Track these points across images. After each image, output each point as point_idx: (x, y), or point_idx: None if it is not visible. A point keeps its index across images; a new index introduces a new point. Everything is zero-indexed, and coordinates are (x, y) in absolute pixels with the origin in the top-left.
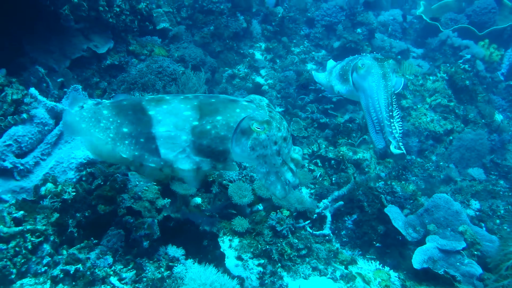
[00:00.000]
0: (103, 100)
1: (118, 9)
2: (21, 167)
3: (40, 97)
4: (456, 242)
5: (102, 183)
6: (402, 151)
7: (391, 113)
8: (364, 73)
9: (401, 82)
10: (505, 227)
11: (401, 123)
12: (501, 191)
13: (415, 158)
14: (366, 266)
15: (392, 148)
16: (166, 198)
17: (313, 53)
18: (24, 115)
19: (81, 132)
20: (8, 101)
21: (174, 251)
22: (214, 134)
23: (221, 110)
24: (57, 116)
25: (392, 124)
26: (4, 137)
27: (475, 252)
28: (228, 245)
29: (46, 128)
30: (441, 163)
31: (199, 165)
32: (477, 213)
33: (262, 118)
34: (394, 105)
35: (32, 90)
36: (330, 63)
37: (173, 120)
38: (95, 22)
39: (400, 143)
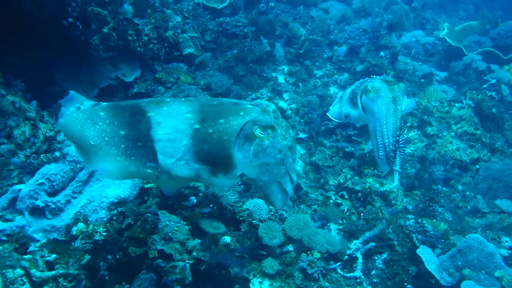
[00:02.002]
0: (102, 103)
1: (146, 38)
2: (53, 206)
3: None
4: None
5: (132, 222)
6: (395, 184)
7: (397, 138)
8: (374, 96)
9: (413, 104)
10: None
11: (404, 149)
12: None
13: (441, 188)
14: None
15: (395, 179)
16: (196, 239)
17: (336, 76)
18: (57, 153)
19: (75, 134)
20: (41, 138)
21: None
22: (216, 138)
23: (224, 113)
24: None
25: (398, 150)
26: (37, 176)
27: None
28: (258, 287)
29: (78, 166)
30: (467, 193)
31: (198, 172)
32: (509, 251)
33: (266, 123)
34: (402, 130)
35: None
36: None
37: (173, 123)
38: (123, 50)
39: (397, 175)
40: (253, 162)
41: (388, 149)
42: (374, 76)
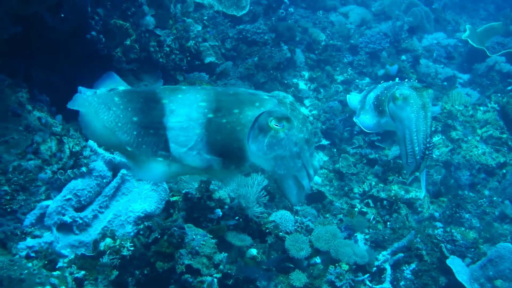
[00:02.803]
0: (118, 88)
1: (168, 49)
2: (80, 221)
3: (99, 150)
4: None
5: (159, 236)
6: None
7: (427, 145)
8: (402, 103)
9: (438, 108)
10: None
11: (432, 155)
12: None
13: (468, 193)
14: None
15: (423, 188)
16: (223, 252)
17: (357, 80)
18: (84, 169)
19: (88, 119)
20: (67, 153)
21: None
22: (230, 129)
23: (239, 103)
24: (114, 168)
25: (426, 157)
26: (64, 191)
27: None
28: None
29: (104, 180)
30: (494, 198)
31: (210, 163)
32: None
33: (282, 114)
34: (432, 137)
35: (91, 143)
36: (352, 97)
37: (186, 111)
38: (145, 62)
39: (424, 183)
40: (267, 155)
41: (418, 157)
42: (399, 81)
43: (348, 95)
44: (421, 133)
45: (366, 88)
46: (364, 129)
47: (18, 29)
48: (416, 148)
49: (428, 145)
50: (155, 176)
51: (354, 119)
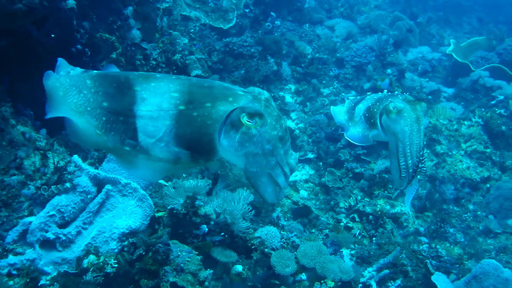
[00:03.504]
0: (92, 71)
1: (154, 62)
2: (63, 238)
3: (83, 165)
4: None
5: (143, 253)
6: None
7: (420, 158)
8: (396, 117)
9: (426, 122)
10: None
11: (425, 169)
12: None
13: (452, 208)
14: None
15: (407, 200)
16: (208, 269)
17: (343, 94)
18: (68, 184)
19: (57, 101)
20: (51, 168)
21: None
22: (200, 122)
23: (212, 97)
24: (99, 184)
25: (419, 171)
26: (48, 207)
27: None
28: None
29: (88, 196)
30: (479, 213)
31: (178, 156)
32: None
33: (254, 110)
34: (424, 150)
35: (75, 158)
36: (337, 109)
37: (158, 100)
38: None
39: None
40: (238, 151)
41: (411, 170)
42: (390, 93)
43: (332, 107)
44: (415, 146)
45: (350, 98)
46: (353, 142)
47: (2, 43)
48: (409, 161)
49: (421, 158)
50: (122, 165)
51: (344, 134)
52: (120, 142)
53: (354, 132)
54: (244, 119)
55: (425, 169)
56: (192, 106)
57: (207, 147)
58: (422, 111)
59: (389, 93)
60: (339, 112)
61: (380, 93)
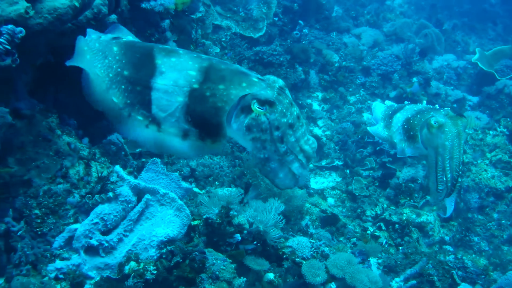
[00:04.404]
0: (123, 38)
1: None
2: (106, 244)
3: (125, 176)
4: None
5: (181, 260)
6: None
7: (460, 173)
8: (437, 131)
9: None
10: None
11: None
12: None
13: (476, 216)
14: None
15: (448, 211)
16: (242, 277)
17: (369, 101)
18: (110, 194)
19: (83, 63)
20: (95, 178)
21: None
22: (211, 103)
23: (227, 80)
24: (139, 193)
25: (457, 185)
26: (92, 215)
27: None
28: None
29: (129, 205)
30: (503, 222)
31: (186, 133)
32: None
33: (265, 98)
34: (462, 165)
35: (118, 168)
36: (379, 107)
37: (175, 76)
38: None
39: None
40: (246, 136)
41: (449, 184)
42: (431, 106)
43: (374, 103)
44: (455, 160)
45: (387, 104)
46: (400, 155)
47: (49, 58)
48: (449, 175)
49: (460, 172)
50: (131, 133)
51: (387, 148)
52: (134, 110)
53: (378, 130)
54: (255, 106)
55: (463, 182)
56: (206, 86)
57: (215, 128)
58: (463, 126)
59: (429, 106)
60: (378, 111)
61: (420, 104)
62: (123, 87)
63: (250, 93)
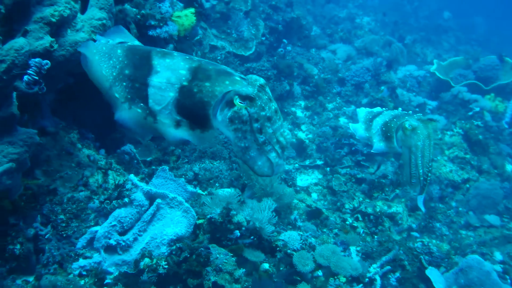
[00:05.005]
0: (127, 43)
1: None
2: (123, 244)
3: (138, 183)
4: None
5: (188, 255)
6: (422, 209)
7: (430, 169)
8: (410, 133)
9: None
10: None
11: (431, 176)
12: None
13: (438, 205)
14: None
15: (419, 202)
16: (241, 268)
17: (344, 108)
18: (126, 199)
19: (92, 63)
20: (112, 185)
21: None
22: (198, 98)
23: (213, 79)
24: (151, 198)
25: (428, 179)
26: (110, 219)
27: None
28: None
29: (143, 209)
30: (460, 209)
31: (179, 123)
32: (501, 265)
33: (246, 94)
34: (432, 162)
35: (132, 177)
36: (362, 111)
37: (168, 75)
38: None
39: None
40: (229, 126)
41: (422, 178)
42: (405, 111)
43: (358, 109)
44: (426, 158)
45: (368, 110)
46: (374, 151)
47: (70, 81)
48: (420, 171)
49: (430, 168)
50: (132, 122)
51: (361, 148)
52: (134, 104)
53: (360, 132)
54: (237, 101)
55: (431, 177)
56: (194, 83)
57: (202, 119)
58: (433, 129)
59: (404, 111)
60: (360, 114)
61: (396, 110)
62: (124, 84)
63: (232, 90)
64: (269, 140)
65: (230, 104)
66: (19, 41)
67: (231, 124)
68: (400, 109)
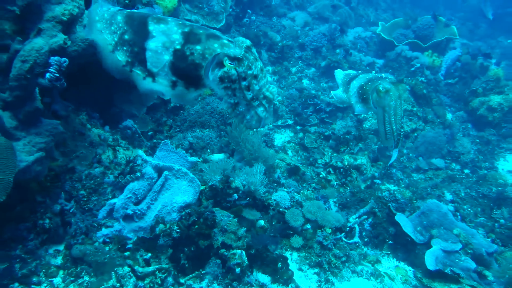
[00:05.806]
0: (126, 10)
1: None
2: (138, 212)
3: (147, 158)
4: (454, 244)
5: (196, 219)
6: (394, 157)
7: (402, 124)
8: (384, 95)
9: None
10: (466, 208)
11: (403, 131)
12: (457, 175)
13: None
14: (387, 263)
15: (394, 152)
16: (243, 227)
17: (306, 71)
18: (138, 174)
19: (94, 29)
20: (123, 162)
21: (262, 278)
22: (190, 60)
23: (202, 42)
24: (159, 170)
25: (401, 134)
26: (125, 192)
27: (469, 251)
28: (289, 259)
29: (153, 181)
30: (410, 155)
31: (175, 84)
32: (452, 204)
33: (234, 55)
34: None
35: (141, 153)
36: (339, 73)
37: (163, 39)
38: None
39: (396, 152)
40: (219, 85)
41: (395, 133)
42: (379, 75)
43: (335, 71)
44: (398, 116)
45: (346, 73)
46: (356, 113)
47: (74, 69)
48: (394, 127)
49: (402, 124)
50: (136, 83)
51: (355, 109)
52: (134, 66)
53: (339, 94)
54: (226, 62)
55: (403, 132)
56: (186, 47)
57: (195, 79)
58: (403, 90)
59: (377, 74)
60: (338, 77)
61: (370, 74)
62: (124, 48)
63: (222, 52)
64: (257, 96)
65: (220, 65)
66: (38, 42)
67: (222, 83)
68: (373, 72)
